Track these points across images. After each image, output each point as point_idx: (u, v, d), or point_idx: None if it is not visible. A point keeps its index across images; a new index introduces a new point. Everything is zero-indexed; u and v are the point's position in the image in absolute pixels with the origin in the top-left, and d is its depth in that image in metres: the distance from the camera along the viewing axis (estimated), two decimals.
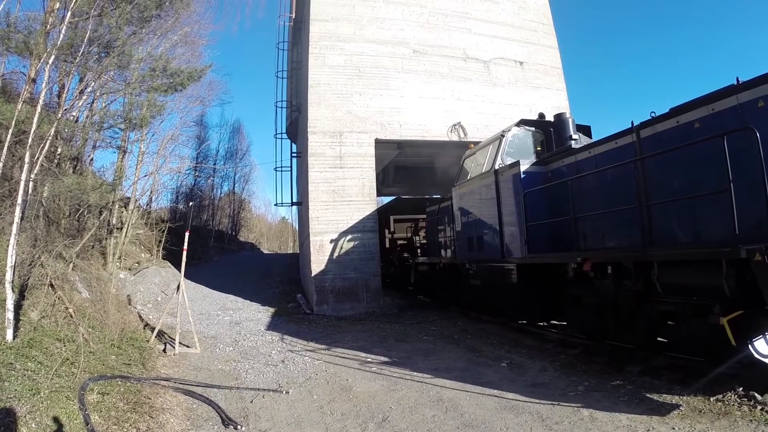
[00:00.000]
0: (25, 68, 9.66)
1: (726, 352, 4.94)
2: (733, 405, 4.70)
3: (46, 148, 7.70)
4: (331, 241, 13.90)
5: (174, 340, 8.74)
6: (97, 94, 12.45)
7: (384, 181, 22.18)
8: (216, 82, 23.61)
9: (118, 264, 14.29)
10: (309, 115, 14.33)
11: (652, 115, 6.37)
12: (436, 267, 14.15)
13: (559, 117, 9.67)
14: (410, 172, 22.11)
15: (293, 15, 17.97)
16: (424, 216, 16.04)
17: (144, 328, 9.58)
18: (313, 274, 13.75)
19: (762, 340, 4.17)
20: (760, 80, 4.93)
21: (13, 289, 5.99)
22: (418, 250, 16.69)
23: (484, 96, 15.92)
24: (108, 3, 9.78)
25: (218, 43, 53.53)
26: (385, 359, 8.17)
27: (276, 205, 44.59)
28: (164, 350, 8.53)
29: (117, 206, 14.78)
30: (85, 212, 12.20)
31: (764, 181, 4.45)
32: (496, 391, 6.02)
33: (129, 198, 16.19)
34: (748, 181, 4.63)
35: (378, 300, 14.06)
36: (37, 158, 7.32)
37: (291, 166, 18.09)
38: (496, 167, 9.39)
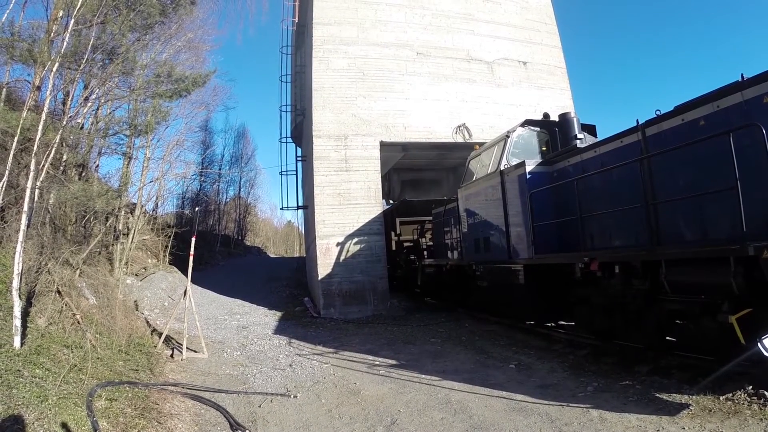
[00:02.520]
0: (29, 76, 9.69)
1: (735, 351, 4.90)
2: (743, 404, 4.66)
3: (52, 155, 7.74)
4: (338, 244, 13.90)
5: (181, 345, 8.75)
6: (102, 100, 12.50)
7: (390, 194, 22.30)
8: (220, 88, 23.71)
9: (124, 270, 14.33)
10: (313, 119, 14.35)
11: (658, 113, 6.35)
12: (442, 269, 14.10)
13: (564, 116, 9.64)
14: (415, 185, 22.17)
15: (296, 19, 18.01)
16: (430, 218, 15.99)
17: (151, 334, 9.60)
18: (319, 278, 13.75)
19: None
20: (765, 76, 4.90)
21: (20, 296, 6.02)
22: (425, 252, 16.65)
23: (489, 97, 15.91)
24: (111, 10, 9.82)
25: (222, 48, 53.75)
26: (393, 362, 8.16)
27: (282, 209, 44.38)
28: (172, 355, 8.55)
29: (123, 212, 14.80)
30: (92, 218, 12.22)
31: None
32: (504, 392, 6.00)
33: (135, 204, 16.23)
34: (755, 178, 4.61)
35: (385, 302, 14.04)
36: (43, 165, 7.36)
37: (296, 170, 18.15)
38: (502, 168, 9.37)
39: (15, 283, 6.02)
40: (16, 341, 5.62)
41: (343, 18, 15.20)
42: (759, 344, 4.13)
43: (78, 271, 9.35)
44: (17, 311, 5.76)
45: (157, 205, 21.77)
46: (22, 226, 6.40)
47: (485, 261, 10.59)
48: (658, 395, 5.28)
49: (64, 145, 10.11)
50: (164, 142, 17.62)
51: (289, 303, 16.37)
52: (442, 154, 17.80)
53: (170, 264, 18.71)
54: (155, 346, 8.58)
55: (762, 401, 4.58)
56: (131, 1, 10.31)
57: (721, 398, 4.84)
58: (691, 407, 4.79)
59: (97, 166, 14.94)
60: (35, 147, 6.86)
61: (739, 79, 5.17)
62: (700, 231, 5.86)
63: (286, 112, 19.42)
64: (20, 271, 6.19)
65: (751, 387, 4.82)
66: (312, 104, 14.59)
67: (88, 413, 4.72)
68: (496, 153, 9.76)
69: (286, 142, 19.43)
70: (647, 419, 4.69)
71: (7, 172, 7.16)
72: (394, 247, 18.08)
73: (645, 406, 5.05)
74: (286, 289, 20.07)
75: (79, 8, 8.08)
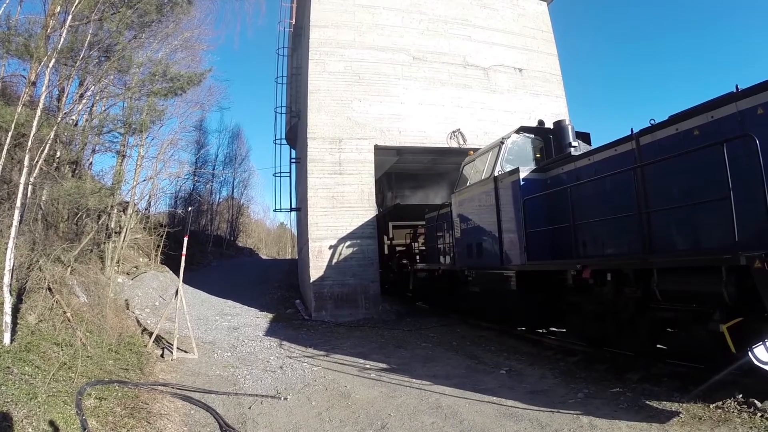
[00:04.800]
0: (25, 71, 9.67)
1: (725, 359, 4.92)
2: (733, 412, 4.69)
3: (46, 151, 7.70)
4: (330, 247, 13.88)
5: (172, 345, 8.71)
6: (97, 98, 12.48)
7: (383, 205, 22.39)
8: (216, 87, 23.61)
9: (116, 268, 14.24)
10: (308, 121, 14.35)
11: (652, 122, 6.39)
12: (435, 273, 14.11)
13: (559, 124, 9.68)
14: (409, 199, 22.38)
15: (293, 21, 18.02)
16: (423, 222, 16.02)
17: (142, 333, 9.54)
18: (311, 280, 13.73)
19: (762, 346, 4.17)
20: (759, 88, 4.95)
21: (11, 292, 5.97)
22: (417, 257, 16.68)
23: (484, 103, 15.97)
24: (109, 7, 9.79)
25: (218, 48, 53.40)
26: (384, 366, 8.14)
27: (275, 210, 44.37)
28: (162, 355, 8.50)
29: (116, 210, 14.74)
30: (84, 216, 12.17)
31: (764, 188, 4.45)
32: (495, 398, 6.00)
33: (128, 202, 16.15)
34: (748, 188, 4.64)
35: (377, 306, 14.03)
36: (37, 161, 7.32)
37: (290, 172, 18.11)
38: (496, 174, 9.38)
39: (6, 279, 5.98)
40: (6, 338, 5.58)
41: (341, 21, 15.23)
42: (749, 353, 4.16)
43: (69, 269, 9.29)
44: (7, 307, 5.72)
45: (149, 204, 21.66)
46: (15, 222, 6.36)
47: (477, 266, 10.60)
48: (648, 402, 5.29)
49: (58, 141, 10.08)
50: (158, 140, 17.48)
51: (281, 305, 16.33)
52: (436, 159, 17.86)
53: (162, 263, 18.63)
54: (145, 346, 8.53)
55: (752, 409, 4.61)
56: None
57: (711, 406, 4.87)
58: (681, 415, 4.81)
59: (91, 163, 14.95)
60: (29, 143, 6.82)
61: (734, 90, 5.22)
62: (692, 240, 5.90)
63: (281, 113, 19.41)
64: (11, 267, 6.14)
65: (741, 395, 4.85)
66: (307, 106, 14.59)
67: (78, 412, 4.68)
68: (491, 159, 9.78)
69: (281, 144, 19.44)
70: (637, 426, 4.70)
71: (0, 167, 7.12)
72: (386, 251, 18.08)
73: (635, 413, 5.07)
74: (278, 291, 20.01)
75: (77, 4, 8.05)
